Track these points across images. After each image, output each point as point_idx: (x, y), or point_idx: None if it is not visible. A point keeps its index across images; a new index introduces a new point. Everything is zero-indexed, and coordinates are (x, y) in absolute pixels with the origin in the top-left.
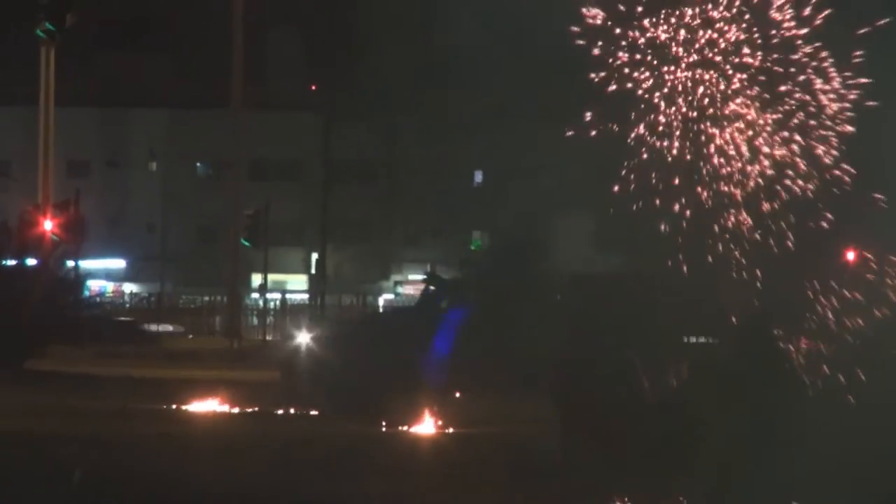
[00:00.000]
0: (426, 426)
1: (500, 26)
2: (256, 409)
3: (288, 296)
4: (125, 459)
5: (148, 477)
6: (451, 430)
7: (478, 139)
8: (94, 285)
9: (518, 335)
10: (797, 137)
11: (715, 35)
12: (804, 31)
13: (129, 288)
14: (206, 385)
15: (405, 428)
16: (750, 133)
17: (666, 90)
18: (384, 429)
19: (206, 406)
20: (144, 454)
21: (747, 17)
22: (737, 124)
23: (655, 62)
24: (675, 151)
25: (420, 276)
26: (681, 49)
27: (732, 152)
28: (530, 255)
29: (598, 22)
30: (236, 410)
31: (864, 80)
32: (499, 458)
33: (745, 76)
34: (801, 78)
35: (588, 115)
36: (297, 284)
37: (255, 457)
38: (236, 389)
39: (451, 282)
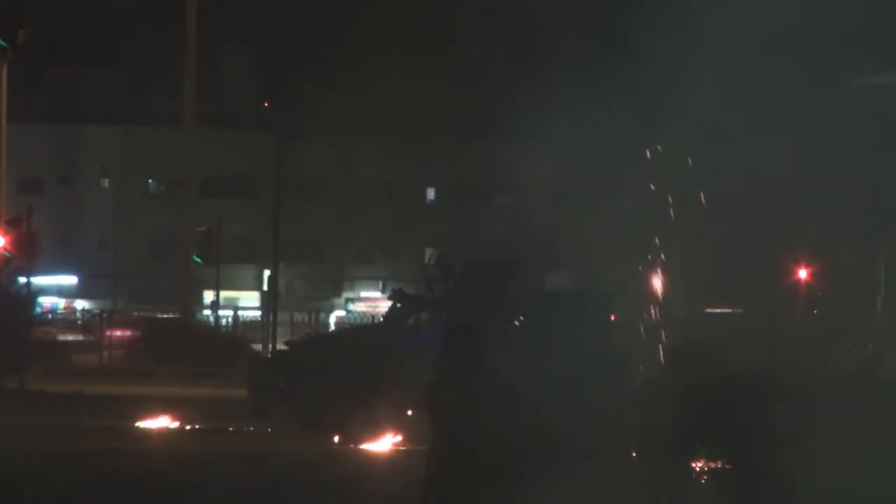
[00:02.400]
0: (383, 443)
1: (451, 44)
2: (211, 425)
3: (240, 312)
4: (76, 476)
5: (99, 494)
6: (406, 447)
7: (430, 157)
8: (46, 302)
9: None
10: None
11: None
12: None
13: (82, 304)
14: (159, 402)
15: (362, 445)
16: None
17: None
18: (339, 445)
19: (159, 423)
20: (95, 471)
21: None
22: None
23: None
24: None
25: (372, 293)
26: None
27: None
28: (499, 274)
29: None
30: (189, 427)
31: None
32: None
33: None
34: None
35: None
36: (249, 301)
37: (209, 473)
38: (190, 406)
39: (417, 299)
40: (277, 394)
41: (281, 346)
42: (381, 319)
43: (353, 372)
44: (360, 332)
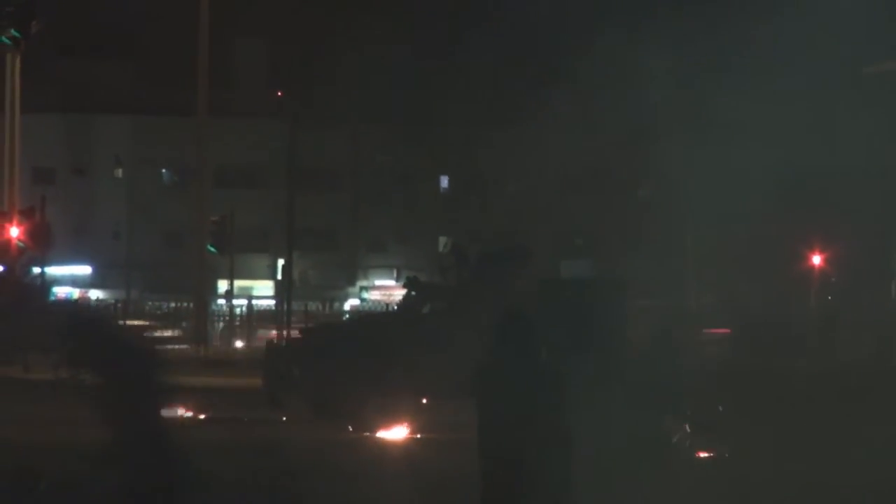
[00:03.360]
0: (398, 432)
1: (466, 33)
2: (226, 415)
3: (254, 302)
4: (91, 467)
5: (111, 484)
6: (421, 435)
7: (444, 146)
8: (60, 292)
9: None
10: None
11: None
12: None
13: (96, 294)
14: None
15: (376, 434)
16: None
17: None
18: (354, 434)
19: (174, 412)
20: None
21: None
22: None
23: None
24: None
25: (387, 282)
26: None
27: None
28: (513, 262)
29: None
30: (203, 417)
31: None
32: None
33: None
34: None
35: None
36: (263, 290)
37: (224, 463)
38: (203, 396)
39: (432, 287)
40: (292, 382)
41: (294, 334)
42: (396, 307)
43: (367, 360)
44: (374, 319)
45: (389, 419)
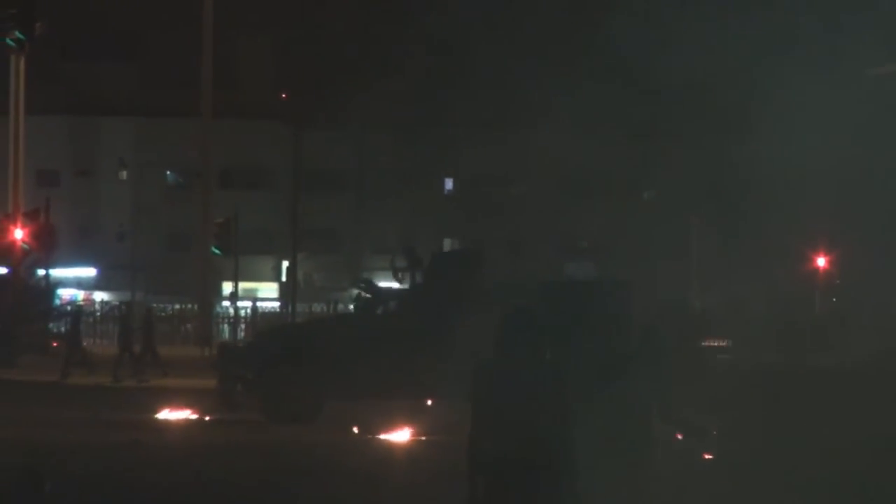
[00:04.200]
0: (400, 433)
1: (469, 35)
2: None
3: (259, 304)
4: (96, 468)
5: (118, 485)
6: (423, 437)
7: (448, 147)
8: (64, 294)
9: (454, 343)
10: None
11: None
12: None
13: (100, 296)
14: (178, 393)
15: (378, 435)
16: None
17: None
18: (357, 436)
19: (179, 414)
20: (116, 462)
21: None
22: None
23: None
24: None
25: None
26: None
27: None
28: (465, 265)
29: None
30: (208, 419)
31: None
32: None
33: None
34: None
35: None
36: (267, 292)
37: (228, 464)
38: (208, 397)
39: (386, 290)
40: (245, 385)
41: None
42: (350, 309)
43: (322, 362)
44: (327, 322)
45: (345, 422)
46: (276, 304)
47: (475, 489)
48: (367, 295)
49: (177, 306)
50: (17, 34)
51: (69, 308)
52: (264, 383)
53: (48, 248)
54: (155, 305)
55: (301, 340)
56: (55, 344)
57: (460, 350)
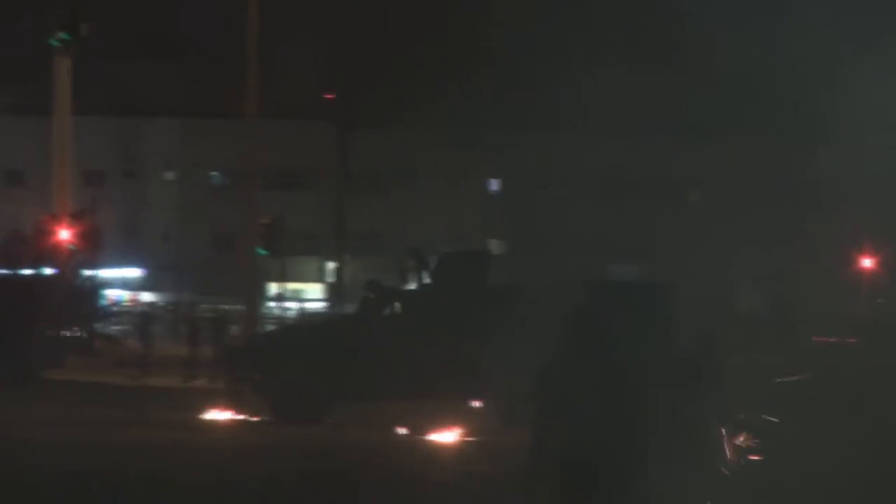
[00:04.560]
0: (446, 435)
1: (515, 33)
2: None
3: (305, 304)
4: (141, 467)
5: (164, 485)
6: (470, 438)
7: (492, 148)
8: (110, 294)
9: (461, 343)
10: None
11: None
12: None
13: (146, 297)
14: (224, 394)
15: (425, 436)
16: None
17: None
18: (403, 437)
19: (223, 415)
20: (160, 463)
21: None
22: None
23: None
24: None
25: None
26: None
27: None
28: (472, 266)
29: None
30: (255, 419)
31: None
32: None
33: None
34: None
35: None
36: (313, 293)
37: (271, 466)
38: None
39: (391, 290)
40: (254, 385)
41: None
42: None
43: (328, 363)
44: (335, 322)
45: (355, 421)
46: (323, 305)
47: (536, 494)
48: (373, 295)
49: (223, 307)
50: (63, 35)
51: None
52: (272, 384)
53: (94, 248)
54: (201, 306)
55: (308, 341)
56: (98, 345)
57: (467, 350)
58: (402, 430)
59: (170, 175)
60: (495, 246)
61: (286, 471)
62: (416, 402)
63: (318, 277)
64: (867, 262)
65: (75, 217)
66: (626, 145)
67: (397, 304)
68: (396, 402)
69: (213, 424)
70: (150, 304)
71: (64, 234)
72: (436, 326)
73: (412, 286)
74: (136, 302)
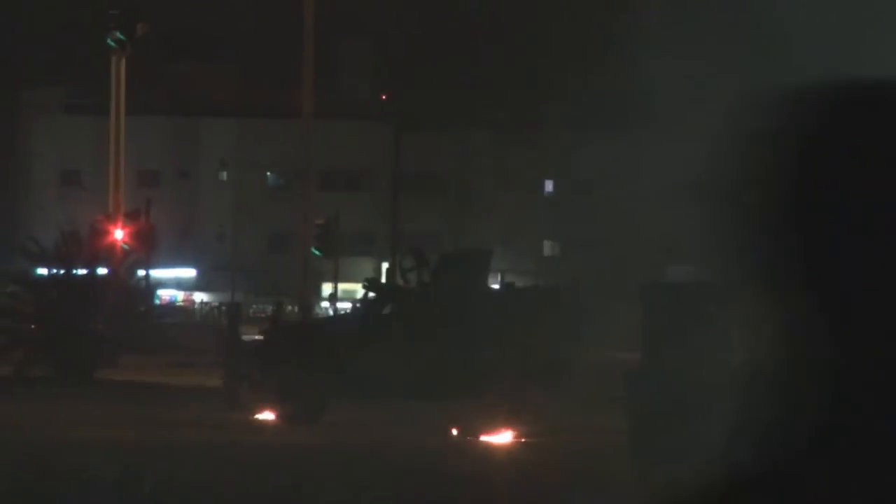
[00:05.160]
0: (500, 436)
1: (570, 36)
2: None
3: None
4: (197, 468)
5: (217, 485)
6: (524, 439)
7: (548, 149)
8: (164, 294)
9: (459, 343)
10: None
11: None
12: None
13: (200, 297)
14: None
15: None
16: None
17: None
18: (457, 438)
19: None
20: (215, 463)
21: None
22: None
23: None
24: None
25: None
26: None
27: None
28: (472, 266)
29: None
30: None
31: None
32: (567, 467)
33: None
34: None
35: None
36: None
37: (323, 464)
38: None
39: (390, 288)
40: (252, 384)
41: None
42: (355, 309)
43: (326, 362)
44: (334, 321)
45: (353, 421)
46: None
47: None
48: (372, 294)
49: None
50: (119, 35)
51: (225, 308)
52: (271, 382)
53: (148, 248)
54: (254, 306)
55: (306, 340)
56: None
57: (465, 350)
58: (454, 431)
59: (225, 175)
60: (548, 247)
61: (336, 472)
62: (415, 402)
63: None
64: None
65: (130, 217)
66: (685, 146)
67: (397, 303)
68: (394, 401)
69: (263, 425)
70: (236, 304)
71: (118, 234)
72: (434, 325)
73: (412, 285)
74: (190, 301)
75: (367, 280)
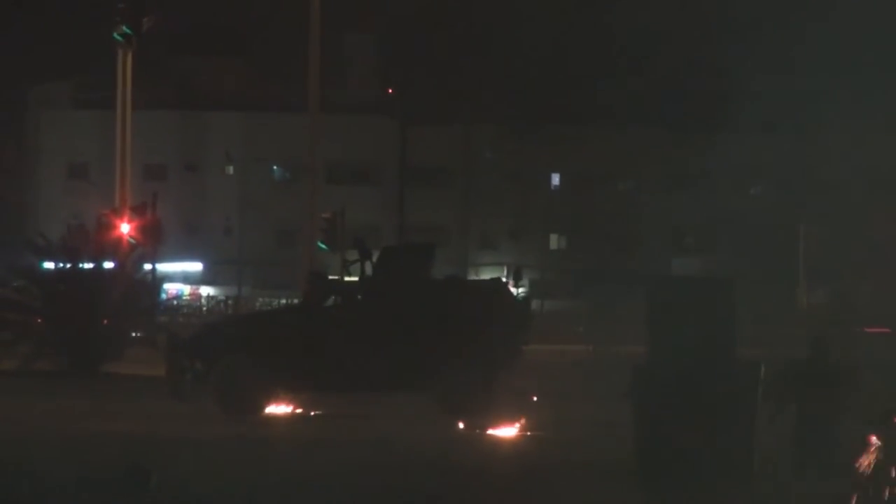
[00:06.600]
0: (505, 429)
1: (578, 32)
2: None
3: None
4: (201, 461)
5: (222, 479)
6: (528, 433)
7: (554, 144)
8: (171, 288)
9: (399, 336)
10: None
11: None
12: None
13: (207, 291)
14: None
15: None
16: None
17: None
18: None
19: (281, 409)
20: (220, 457)
21: None
22: None
23: None
24: None
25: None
26: None
27: None
28: (415, 259)
29: None
30: (314, 413)
31: None
32: (576, 460)
33: None
34: None
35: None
36: None
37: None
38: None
39: (335, 282)
40: (195, 376)
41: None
42: (298, 301)
43: (268, 354)
44: (277, 314)
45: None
46: None
47: None
48: (317, 287)
49: (283, 301)
50: (125, 29)
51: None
52: (214, 374)
53: (155, 242)
54: (261, 300)
55: (248, 332)
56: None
57: (402, 341)
58: (460, 425)
59: (231, 169)
60: (555, 241)
61: (346, 463)
62: (354, 394)
63: None
64: None
65: (136, 211)
66: (689, 140)
67: (340, 295)
68: (335, 394)
69: (271, 419)
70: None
71: (125, 228)
72: (375, 318)
73: (355, 278)
74: (196, 295)
75: (310, 273)
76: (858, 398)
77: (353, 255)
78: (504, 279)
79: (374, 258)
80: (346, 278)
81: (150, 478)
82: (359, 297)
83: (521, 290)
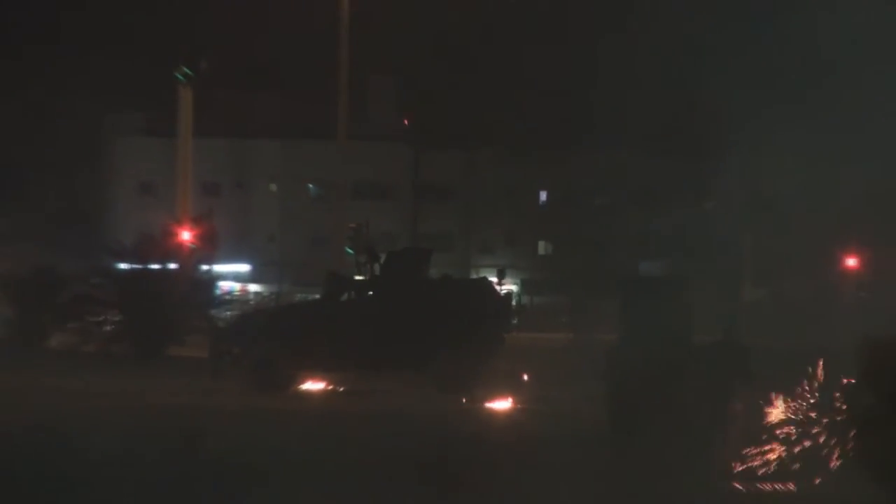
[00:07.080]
0: (502, 402)
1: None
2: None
3: None
4: (249, 430)
5: (267, 446)
6: (521, 405)
7: (542, 165)
8: (223, 285)
9: (404, 325)
10: None
11: None
12: None
13: (253, 288)
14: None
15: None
16: None
17: None
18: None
19: (318, 386)
20: (266, 426)
21: None
22: None
23: None
24: None
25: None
26: None
27: None
28: (415, 261)
29: None
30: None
31: None
32: (561, 430)
33: None
34: None
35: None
36: None
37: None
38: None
39: (348, 280)
40: (233, 358)
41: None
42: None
43: (295, 339)
44: (300, 305)
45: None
46: None
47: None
48: (334, 284)
49: (317, 296)
50: (186, 69)
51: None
52: (248, 357)
53: (211, 247)
54: (298, 295)
55: (279, 321)
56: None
57: (409, 331)
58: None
59: (274, 187)
60: (542, 247)
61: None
62: (365, 374)
63: None
64: (852, 262)
65: (195, 221)
66: (653, 162)
67: (353, 291)
68: (353, 373)
69: (307, 394)
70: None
71: (186, 236)
72: (382, 310)
73: (366, 277)
74: (245, 291)
75: (329, 273)
76: (748, 372)
77: (363, 257)
78: (491, 278)
79: (382, 261)
80: (356, 277)
81: (203, 441)
82: (369, 293)
83: (503, 287)
